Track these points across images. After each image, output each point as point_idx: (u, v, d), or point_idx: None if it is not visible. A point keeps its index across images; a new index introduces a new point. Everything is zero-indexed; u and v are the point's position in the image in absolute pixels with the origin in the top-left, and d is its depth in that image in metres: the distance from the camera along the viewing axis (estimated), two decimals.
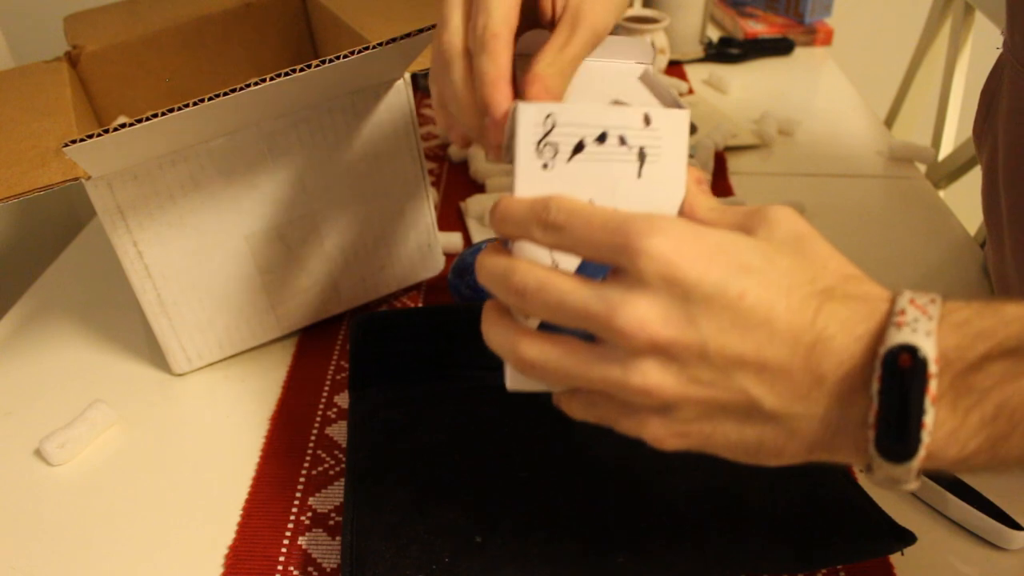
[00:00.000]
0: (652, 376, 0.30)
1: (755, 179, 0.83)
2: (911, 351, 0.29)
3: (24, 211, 0.98)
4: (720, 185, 0.81)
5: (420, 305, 0.66)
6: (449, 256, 0.69)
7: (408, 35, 0.47)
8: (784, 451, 0.31)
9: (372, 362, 0.55)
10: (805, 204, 0.75)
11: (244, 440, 0.54)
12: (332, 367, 0.60)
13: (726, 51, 1.12)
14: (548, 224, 0.32)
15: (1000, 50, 0.57)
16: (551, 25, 0.42)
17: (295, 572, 0.45)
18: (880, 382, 0.29)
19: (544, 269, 0.33)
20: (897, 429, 0.29)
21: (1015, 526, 0.44)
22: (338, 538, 0.47)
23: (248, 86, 0.44)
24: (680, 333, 0.30)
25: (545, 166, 0.34)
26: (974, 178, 0.86)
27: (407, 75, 0.57)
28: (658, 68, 1.06)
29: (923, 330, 0.29)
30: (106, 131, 0.43)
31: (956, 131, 1.01)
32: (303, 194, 0.57)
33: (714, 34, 1.19)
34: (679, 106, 0.36)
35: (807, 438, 0.31)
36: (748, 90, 1.03)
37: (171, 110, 0.43)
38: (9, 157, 0.50)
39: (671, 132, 0.35)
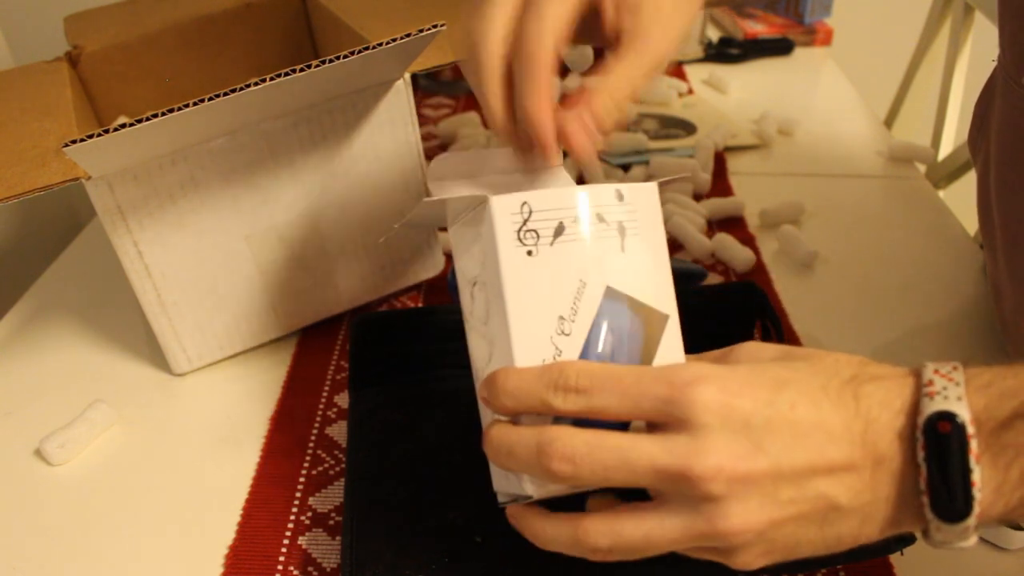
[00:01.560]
0: (737, 514, 0.31)
1: (755, 179, 0.83)
2: (949, 417, 0.30)
3: (24, 211, 0.99)
4: (720, 185, 0.81)
5: (420, 305, 0.66)
6: (449, 256, 0.69)
7: (408, 35, 0.47)
8: (860, 536, 0.33)
9: (372, 362, 0.55)
10: (805, 204, 0.75)
11: (244, 440, 0.54)
12: (332, 367, 0.60)
13: (726, 51, 1.12)
14: (571, 389, 0.32)
15: (995, 63, 0.57)
16: (607, 36, 0.41)
17: (295, 572, 0.45)
18: (925, 450, 0.30)
19: (587, 430, 0.32)
20: (948, 491, 0.30)
21: (1015, 526, 0.44)
22: (338, 538, 0.47)
23: (248, 86, 0.44)
24: (754, 463, 0.30)
25: (529, 253, 0.33)
26: (973, 178, 0.86)
27: (407, 75, 0.57)
28: None
29: (954, 396, 0.31)
30: (106, 131, 0.43)
31: (956, 131, 1.01)
32: (303, 194, 0.57)
33: (714, 34, 1.19)
34: None
35: (879, 519, 0.32)
36: (748, 90, 1.03)
37: (171, 110, 0.43)
38: (9, 157, 0.50)
39: (645, 204, 0.35)
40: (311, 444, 0.54)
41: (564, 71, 1.04)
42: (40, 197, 0.47)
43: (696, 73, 1.08)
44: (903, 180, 0.83)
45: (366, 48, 0.46)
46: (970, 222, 0.77)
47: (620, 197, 0.35)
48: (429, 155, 0.89)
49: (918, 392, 0.32)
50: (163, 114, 0.43)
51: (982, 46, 0.97)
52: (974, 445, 0.30)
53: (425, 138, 0.93)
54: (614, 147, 0.86)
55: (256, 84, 0.44)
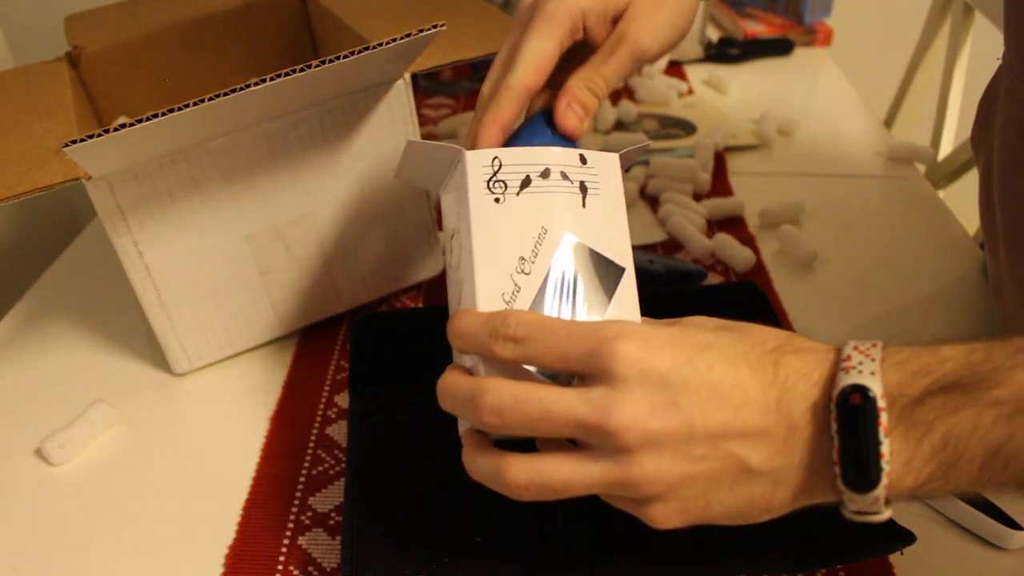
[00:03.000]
0: (650, 465, 0.32)
1: (755, 179, 0.83)
2: (861, 390, 0.32)
3: (24, 211, 0.99)
4: (720, 185, 0.81)
5: (420, 305, 0.66)
6: None
7: (408, 35, 0.47)
8: (772, 504, 0.34)
9: (372, 362, 0.55)
10: (805, 204, 0.75)
11: (244, 440, 0.54)
12: (332, 367, 0.60)
13: (726, 51, 1.12)
14: (508, 337, 0.34)
15: (1000, 60, 0.57)
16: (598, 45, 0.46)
17: (295, 572, 0.46)
18: (837, 422, 0.32)
19: (516, 383, 0.34)
20: (858, 462, 0.32)
21: (1015, 526, 0.44)
22: (338, 538, 0.47)
23: (248, 86, 0.44)
24: (668, 418, 0.32)
25: (497, 200, 0.36)
26: (973, 178, 0.86)
27: (407, 75, 0.57)
28: (658, 68, 1.06)
29: (868, 371, 0.32)
30: (106, 131, 0.43)
31: (955, 131, 1.01)
32: (303, 194, 0.57)
33: (714, 34, 1.19)
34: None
35: (791, 486, 0.34)
36: (748, 90, 1.03)
37: (171, 110, 0.43)
38: (9, 157, 0.50)
39: (606, 171, 0.38)
40: (311, 444, 0.54)
41: None
42: (40, 197, 0.47)
43: (696, 73, 1.08)
44: (903, 180, 0.83)
45: (366, 48, 0.46)
46: (970, 222, 0.77)
47: (583, 161, 0.38)
48: None
49: (836, 366, 0.33)
50: (163, 114, 0.43)
51: (982, 46, 0.97)
52: (884, 418, 0.31)
53: (425, 138, 0.93)
54: (614, 147, 0.86)
55: (256, 84, 0.44)
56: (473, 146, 0.42)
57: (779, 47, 1.14)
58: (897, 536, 0.43)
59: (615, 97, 0.99)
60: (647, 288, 0.62)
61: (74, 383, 0.60)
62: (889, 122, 1.12)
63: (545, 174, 0.37)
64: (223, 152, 0.53)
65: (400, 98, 0.57)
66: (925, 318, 0.63)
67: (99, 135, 0.42)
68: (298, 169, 0.56)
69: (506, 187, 0.36)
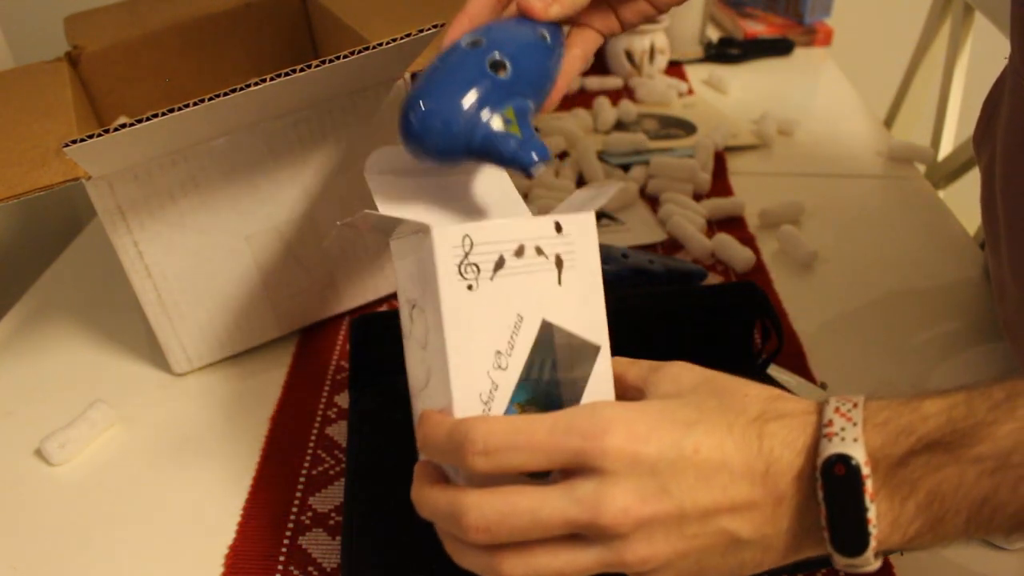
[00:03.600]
0: (643, 550, 0.33)
1: (755, 179, 0.83)
2: (845, 460, 0.32)
3: (24, 211, 0.98)
4: (720, 185, 0.81)
5: None
6: None
7: (408, 35, 0.47)
8: (763, 563, 0.35)
9: (372, 362, 0.55)
10: (805, 204, 0.75)
11: (244, 440, 0.54)
12: (332, 367, 0.60)
13: (726, 51, 1.12)
14: (478, 453, 0.33)
15: (1007, 60, 0.57)
16: None
17: (295, 572, 0.46)
18: (823, 491, 0.32)
19: (499, 494, 0.33)
20: (846, 528, 0.32)
21: None
22: (338, 538, 0.47)
23: (248, 86, 0.44)
24: (659, 505, 0.32)
25: (470, 287, 0.34)
26: (973, 178, 0.86)
27: (407, 75, 0.57)
28: (658, 68, 1.06)
29: (851, 437, 0.32)
30: (106, 131, 0.43)
31: (955, 131, 1.01)
32: (303, 194, 0.57)
33: (714, 34, 1.19)
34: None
35: (780, 549, 0.34)
36: (748, 90, 1.03)
37: (171, 110, 0.43)
38: (10, 157, 0.50)
39: (582, 235, 0.36)
40: (311, 444, 0.54)
41: None
42: (40, 197, 0.47)
43: (696, 73, 1.08)
44: (903, 180, 0.83)
45: (366, 48, 0.46)
46: (970, 222, 0.77)
47: (558, 229, 0.35)
48: None
49: (818, 432, 0.33)
50: (163, 114, 0.43)
51: (982, 46, 0.97)
52: (869, 485, 0.32)
53: None
54: (614, 147, 0.86)
55: (256, 84, 0.44)
56: (444, 40, 0.41)
57: (779, 47, 1.14)
58: None
59: (615, 97, 0.99)
60: (647, 288, 0.62)
61: (74, 383, 0.60)
62: (889, 122, 1.12)
63: (519, 252, 0.35)
64: (223, 152, 0.53)
65: (400, 98, 0.57)
66: (925, 318, 0.63)
67: (99, 135, 0.42)
68: (298, 169, 0.56)
69: (479, 272, 0.34)
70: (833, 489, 0.32)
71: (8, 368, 0.63)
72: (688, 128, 0.91)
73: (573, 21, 0.50)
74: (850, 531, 0.32)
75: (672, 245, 0.72)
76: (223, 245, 0.56)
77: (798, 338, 0.60)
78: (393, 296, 0.66)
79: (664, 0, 0.52)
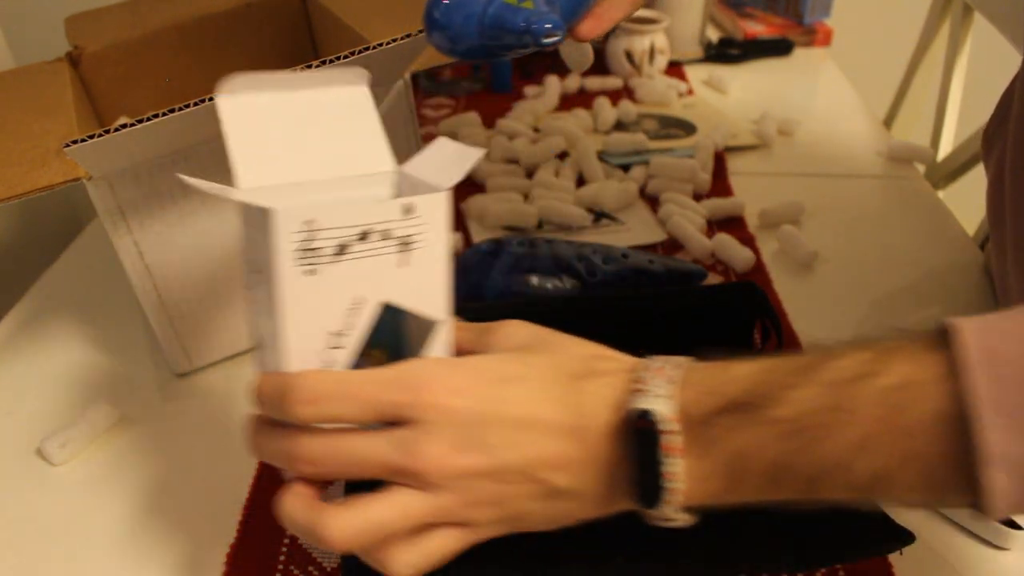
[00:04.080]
0: (462, 497, 0.34)
1: (755, 179, 0.83)
2: (646, 414, 0.33)
3: (25, 211, 0.98)
4: (720, 185, 0.81)
5: None
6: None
7: (408, 35, 0.47)
8: (582, 512, 0.36)
9: None
10: (805, 204, 0.75)
11: (244, 440, 0.54)
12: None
13: (726, 52, 1.12)
14: (302, 401, 0.34)
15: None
16: None
17: (295, 572, 0.46)
18: (628, 445, 0.34)
19: (326, 434, 0.34)
20: (647, 481, 0.34)
21: (1015, 526, 0.44)
22: None
23: None
24: (473, 456, 0.34)
25: (309, 271, 0.33)
26: (973, 178, 0.86)
27: (407, 75, 0.57)
28: (658, 68, 1.06)
29: (655, 393, 0.34)
30: (107, 131, 0.43)
31: (955, 131, 1.01)
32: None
33: (714, 35, 1.19)
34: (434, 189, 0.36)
35: (596, 500, 0.36)
36: (748, 90, 1.04)
37: (171, 110, 0.43)
38: (10, 157, 0.50)
39: (432, 214, 0.35)
40: None
41: (564, 71, 1.04)
42: (40, 197, 0.47)
43: (696, 73, 1.08)
44: (903, 180, 0.83)
45: (366, 48, 0.46)
46: (970, 222, 0.77)
47: (408, 211, 0.35)
48: None
49: (630, 388, 0.35)
50: (163, 114, 0.43)
51: (982, 46, 0.97)
52: (668, 440, 0.33)
53: (425, 138, 0.92)
54: (614, 147, 0.86)
55: None
56: None
57: (779, 47, 1.14)
58: (897, 536, 0.43)
59: (615, 97, 0.99)
60: (647, 288, 0.62)
61: (74, 383, 0.60)
62: (889, 122, 1.12)
63: (364, 237, 0.34)
64: (223, 152, 0.53)
65: (400, 98, 0.57)
66: (925, 318, 0.63)
67: (99, 135, 0.43)
68: None
69: (320, 256, 0.33)
70: (636, 442, 0.34)
71: (8, 368, 0.63)
72: (688, 128, 0.91)
73: None
74: (651, 484, 0.34)
75: (672, 245, 0.72)
76: (223, 245, 0.56)
77: (798, 338, 0.60)
78: None
79: None
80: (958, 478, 0.31)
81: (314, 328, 0.34)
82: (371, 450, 0.34)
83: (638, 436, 0.34)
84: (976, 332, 0.31)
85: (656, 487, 0.34)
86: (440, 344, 0.38)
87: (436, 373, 0.35)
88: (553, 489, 0.35)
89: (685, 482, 0.34)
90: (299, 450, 0.34)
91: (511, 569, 0.42)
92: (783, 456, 0.33)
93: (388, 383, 0.34)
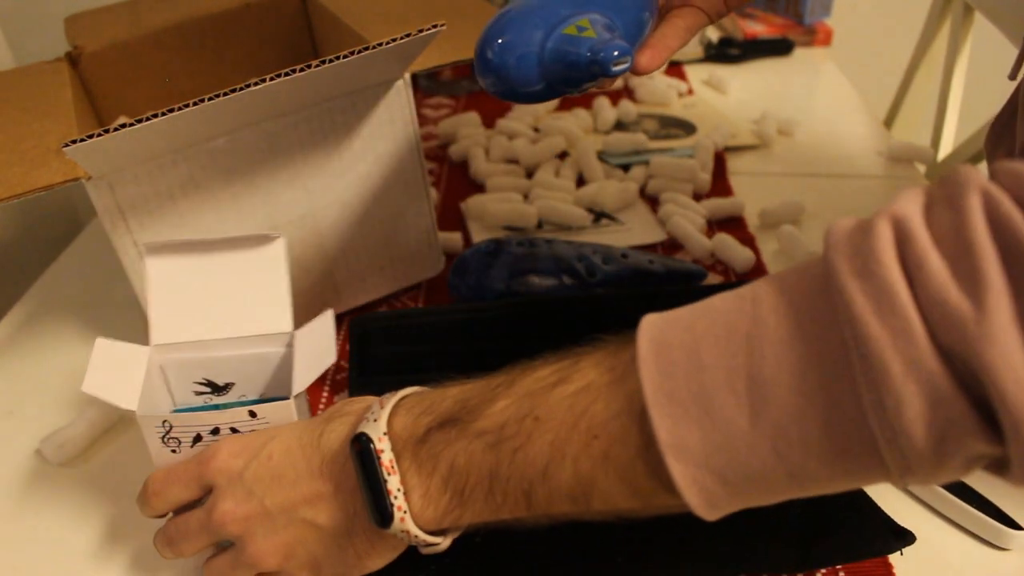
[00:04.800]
0: (252, 545, 0.39)
1: (755, 179, 0.83)
2: (359, 438, 0.37)
3: (24, 211, 0.98)
4: (720, 185, 0.81)
5: (420, 305, 0.66)
6: (449, 256, 0.69)
7: (408, 35, 0.47)
8: (362, 553, 0.39)
9: (372, 362, 0.55)
10: (805, 204, 0.75)
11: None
12: (332, 367, 0.60)
13: (726, 51, 1.12)
14: (150, 494, 0.41)
15: None
16: None
17: None
18: (355, 469, 0.37)
19: (177, 516, 0.42)
20: (374, 499, 0.36)
21: (1015, 526, 0.44)
22: None
23: (248, 86, 0.44)
24: (247, 505, 0.39)
25: (173, 451, 0.42)
26: None
27: (407, 75, 0.57)
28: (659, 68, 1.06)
29: (372, 419, 0.37)
30: (106, 131, 0.43)
31: (956, 131, 1.01)
32: (303, 194, 0.57)
33: (714, 34, 1.19)
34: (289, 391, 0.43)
35: (361, 533, 0.39)
36: (748, 90, 1.03)
37: (171, 110, 0.43)
38: (10, 157, 0.50)
39: (279, 416, 0.42)
40: None
41: None
42: (40, 197, 0.47)
43: (696, 73, 1.08)
44: (903, 180, 0.83)
45: (366, 48, 0.46)
46: None
47: (253, 415, 0.41)
48: (429, 155, 0.89)
49: (358, 422, 0.38)
50: (163, 114, 0.43)
51: (982, 46, 0.97)
52: (384, 458, 0.36)
53: (425, 138, 0.93)
54: (614, 147, 0.86)
55: (256, 84, 0.44)
56: None
57: (779, 47, 1.14)
58: (897, 536, 0.43)
59: (615, 97, 0.99)
60: (647, 288, 0.62)
61: (74, 383, 0.60)
62: (889, 122, 1.12)
63: (215, 432, 0.41)
64: (223, 152, 0.53)
65: (400, 98, 0.57)
66: None
67: (99, 135, 0.42)
68: (298, 169, 0.56)
69: (180, 443, 0.42)
70: (358, 465, 0.37)
71: (8, 368, 0.63)
72: (688, 128, 0.91)
73: (673, 2, 0.50)
74: (379, 503, 0.36)
75: (672, 245, 0.72)
76: None
77: None
78: (393, 296, 0.66)
79: None
80: (651, 476, 0.31)
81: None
82: (191, 520, 0.41)
83: (357, 458, 0.37)
84: (653, 323, 0.32)
85: (383, 505, 0.36)
86: None
87: (222, 444, 0.40)
88: (318, 527, 0.39)
89: (408, 498, 0.36)
90: (162, 534, 0.42)
91: (511, 570, 0.42)
92: (493, 468, 0.34)
93: (194, 460, 0.41)
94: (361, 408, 0.40)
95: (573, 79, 0.43)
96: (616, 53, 0.41)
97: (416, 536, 0.37)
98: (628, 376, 0.31)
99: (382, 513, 0.36)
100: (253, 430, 0.42)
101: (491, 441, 0.34)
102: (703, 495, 0.30)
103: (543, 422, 0.33)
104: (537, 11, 0.43)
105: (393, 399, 0.38)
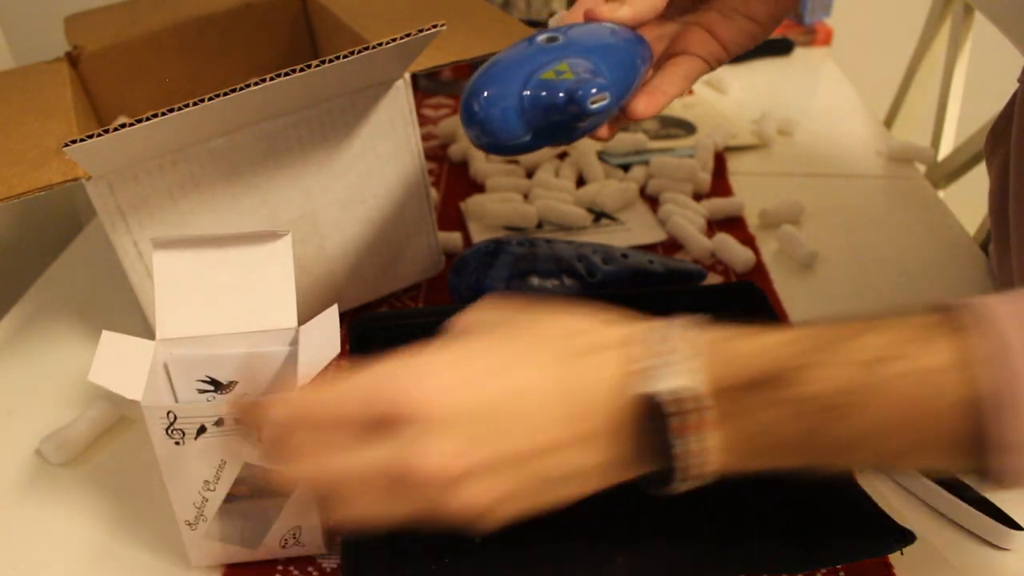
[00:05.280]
0: (463, 498, 0.32)
1: (755, 179, 0.83)
2: (669, 391, 0.32)
3: (24, 211, 0.98)
4: (720, 185, 0.81)
5: (420, 305, 0.66)
6: (449, 256, 0.69)
7: (408, 35, 0.47)
8: (581, 493, 0.34)
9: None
10: (805, 204, 0.75)
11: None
12: (332, 367, 0.60)
13: None
14: (297, 448, 0.33)
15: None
16: None
17: (295, 572, 0.45)
18: (647, 420, 0.32)
19: (327, 455, 0.33)
20: (665, 456, 0.32)
21: (1015, 526, 0.44)
22: (338, 538, 0.47)
23: (248, 86, 0.44)
24: (478, 456, 0.31)
25: (177, 443, 0.41)
26: (974, 178, 0.86)
27: (407, 75, 0.57)
28: None
29: (679, 369, 0.32)
30: (106, 131, 0.43)
31: (956, 131, 1.01)
32: (303, 194, 0.57)
33: None
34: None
35: (610, 475, 0.34)
36: (748, 90, 1.03)
37: (171, 110, 0.43)
38: (10, 157, 0.50)
39: None
40: None
41: None
42: (40, 197, 0.47)
43: None
44: (903, 180, 0.83)
45: (366, 48, 0.46)
46: (970, 222, 0.77)
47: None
48: (429, 155, 0.89)
49: (645, 361, 0.33)
50: (163, 114, 0.43)
51: (982, 46, 0.97)
52: (690, 420, 0.32)
53: (425, 138, 0.93)
54: (614, 147, 0.86)
55: (256, 84, 0.44)
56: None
57: (779, 47, 1.14)
58: (897, 536, 0.43)
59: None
60: (647, 288, 0.62)
61: (74, 383, 0.60)
62: (889, 122, 1.12)
63: (219, 423, 0.40)
64: (223, 152, 0.53)
65: (400, 98, 0.57)
66: None
67: (99, 135, 0.42)
68: (298, 169, 0.56)
69: (184, 435, 0.40)
70: (656, 417, 0.32)
71: (8, 368, 0.63)
72: (688, 128, 0.91)
73: (671, 51, 0.49)
74: (669, 459, 0.32)
75: (672, 245, 0.72)
76: None
77: None
78: (393, 296, 0.66)
79: (764, 12, 0.50)
80: (975, 459, 0.31)
81: (187, 477, 0.42)
82: (365, 463, 0.32)
83: (659, 412, 0.32)
84: (1011, 315, 0.30)
85: (673, 468, 0.33)
86: (303, 494, 0.43)
87: (425, 368, 0.33)
88: (565, 474, 0.33)
89: (698, 458, 0.32)
90: (305, 475, 0.34)
91: (512, 570, 0.42)
92: (802, 434, 0.32)
93: (371, 389, 0.33)
94: (617, 338, 0.34)
95: (556, 124, 0.42)
96: (593, 91, 0.40)
97: (678, 488, 0.34)
98: (977, 365, 0.30)
99: (669, 475, 0.33)
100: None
101: (809, 409, 0.32)
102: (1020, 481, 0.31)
103: (873, 396, 0.31)
104: (520, 61, 0.42)
105: (679, 342, 0.33)
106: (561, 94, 0.41)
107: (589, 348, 0.34)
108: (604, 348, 0.34)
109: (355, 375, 0.33)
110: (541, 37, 0.44)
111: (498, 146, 0.43)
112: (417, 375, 0.32)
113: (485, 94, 0.42)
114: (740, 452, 0.33)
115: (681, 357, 0.33)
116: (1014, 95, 0.58)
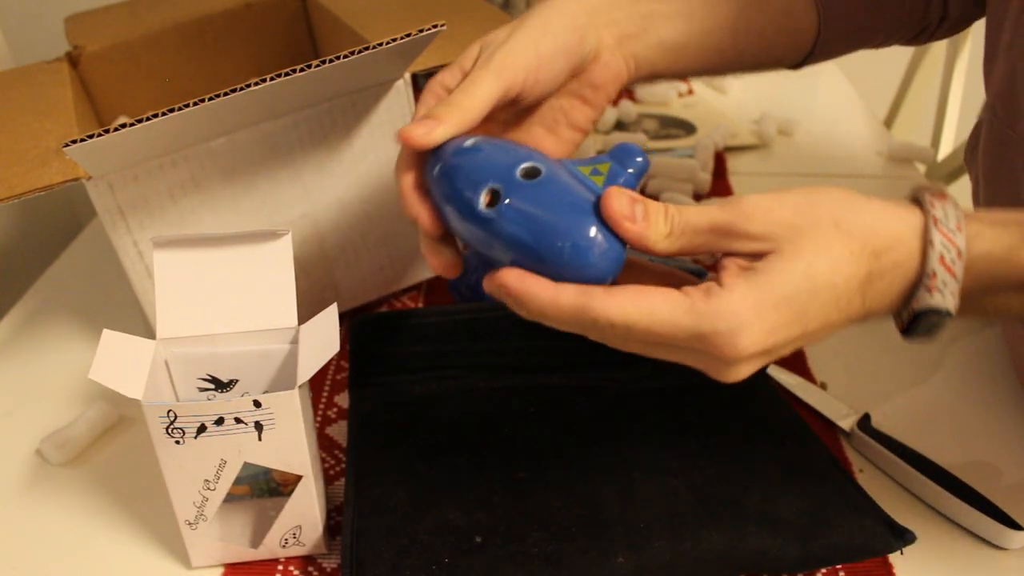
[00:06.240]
0: (748, 370, 0.36)
1: (755, 179, 0.83)
2: (939, 312, 0.36)
3: (24, 211, 0.98)
4: (720, 185, 0.81)
5: (420, 305, 0.66)
6: None
7: (408, 35, 0.47)
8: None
9: (372, 362, 0.55)
10: None
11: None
12: (332, 367, 0.60)
13: None
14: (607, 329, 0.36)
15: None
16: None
17: (295, 572, 0.46)
18: (908, 325, 0.37)
19: (621, 304, 0.35)
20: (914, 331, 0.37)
21: (1015, 526, 0.44)
22: (338, 538, 0.47)
23: (248, 86, 0.44)
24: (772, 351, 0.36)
25: (177, 442, 0.41)
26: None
27: (407, 75, 0.57)
28: None
29: (949, 292, 0.36)
30: (106, 131, 0.43)
31: (955, 131, 1.01)
32: (303, 194, 0.57)
33: None
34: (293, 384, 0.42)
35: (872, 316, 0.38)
36: (748, 90, 1.03)
37: (171, 110, 0.43)
38: (10, 157, 0.50)
39: (283, 407, 0.41)
40: None
41: None
42: (40, 197, 0.47)
43: None
44: (903, 180, 0.83)
45: (366, 48, 0.46)
46: None
47: (257, 405, 0.41)
48: None
49: (919, 281, 0.36)
50: (163, 114, 0.43)
51: (982, 46, 0.97)
52: (941, 321, 0.36)
53: None
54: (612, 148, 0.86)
55: (256, 84, 0.44)
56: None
57: None
58: (897, 536, 0.43)
59: (615, 97, 0.99)
60: None
61: (74, 383, 0.60)
62: (889, 122, 1.12)
63: (219, 422, 0.41)
64: (223, 152, 0.53)
65: (400, 98, 0.57)
66: None
67: (99, 135, 0.42)
68: (298, 169, 0.56)
69: (184, 433, 0.41)
70: (921, 329, 0.37)
71: (8, 368, 0.63)
72: (688, 128, 0.91)
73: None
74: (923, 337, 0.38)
75: None
76: None
77: None
78: (393, 296, 0.66)
79: (585, 118, 0.51)
80: None
81: (188, 476, 0.42)
82: (673, 323, 0.35)
83: (925, 327, 0.37)
84: None
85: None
86: (303, 495, 0.44)
87: (741, 329, 0.34)
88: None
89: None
90: (593, 315, 0.36)
91: (512, 571, 0.42)
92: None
93: (692, 333, 0.35)
94: (902, 258, 0.36)
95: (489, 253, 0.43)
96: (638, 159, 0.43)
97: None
98: None
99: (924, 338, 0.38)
100: (255, 421, 0.41)
101: None
102: None
103: None
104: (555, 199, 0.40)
105: (960, 264, 0.36)
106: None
107: (879, 274, 0.36)
108: (895, 267, 0.36)
109: (669, 303, 0.35)
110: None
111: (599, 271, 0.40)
112: (732, 331, 0.34)
113: (591, 237, 0.39)
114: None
115: (945, 283, 0.36)
116: (979, 122, 0.58)
